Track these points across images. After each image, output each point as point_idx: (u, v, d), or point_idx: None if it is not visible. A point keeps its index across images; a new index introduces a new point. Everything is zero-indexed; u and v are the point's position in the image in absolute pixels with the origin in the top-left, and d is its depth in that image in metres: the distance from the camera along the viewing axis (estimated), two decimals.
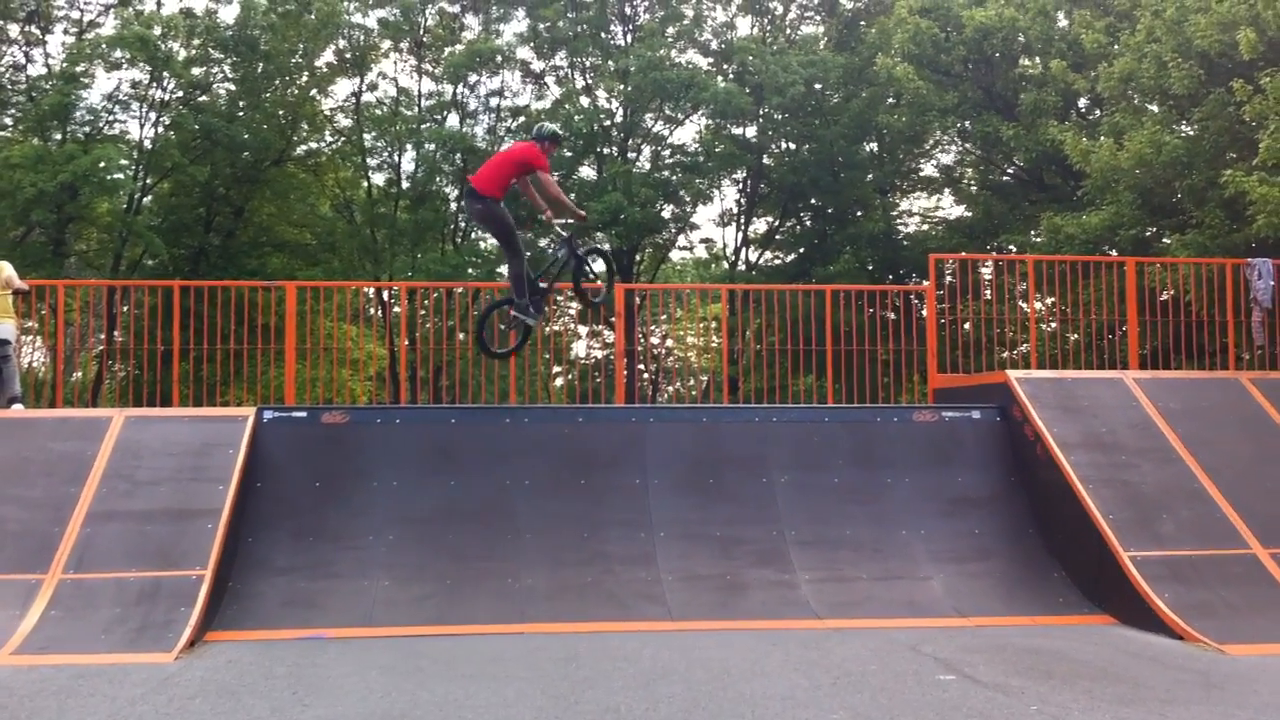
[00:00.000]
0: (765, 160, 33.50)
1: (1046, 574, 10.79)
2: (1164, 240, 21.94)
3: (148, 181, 29.93)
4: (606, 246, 13.17)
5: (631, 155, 33.05)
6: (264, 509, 10.91)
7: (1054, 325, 19.17)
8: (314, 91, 32.43)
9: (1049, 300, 18.72)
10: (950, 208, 34.94)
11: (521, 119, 33.65)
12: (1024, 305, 18.21)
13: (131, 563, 9.57)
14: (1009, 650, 8.64)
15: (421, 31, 32.78)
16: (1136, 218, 21.53)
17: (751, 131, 33.13)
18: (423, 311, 19.98)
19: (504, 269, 12.09)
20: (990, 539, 11.27)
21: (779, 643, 8.96)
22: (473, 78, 32.45)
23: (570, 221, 12.62)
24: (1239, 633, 8.97)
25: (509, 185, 11.44)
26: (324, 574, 10.36)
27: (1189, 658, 8.42)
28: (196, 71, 29.29)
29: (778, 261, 35.18)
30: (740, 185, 34.83)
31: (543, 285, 12.12)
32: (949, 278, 20.92)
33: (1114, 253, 21.47)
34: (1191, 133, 20.92)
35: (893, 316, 22.12)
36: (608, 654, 8.53)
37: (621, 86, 31.65)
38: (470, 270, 30.07)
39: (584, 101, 33.18)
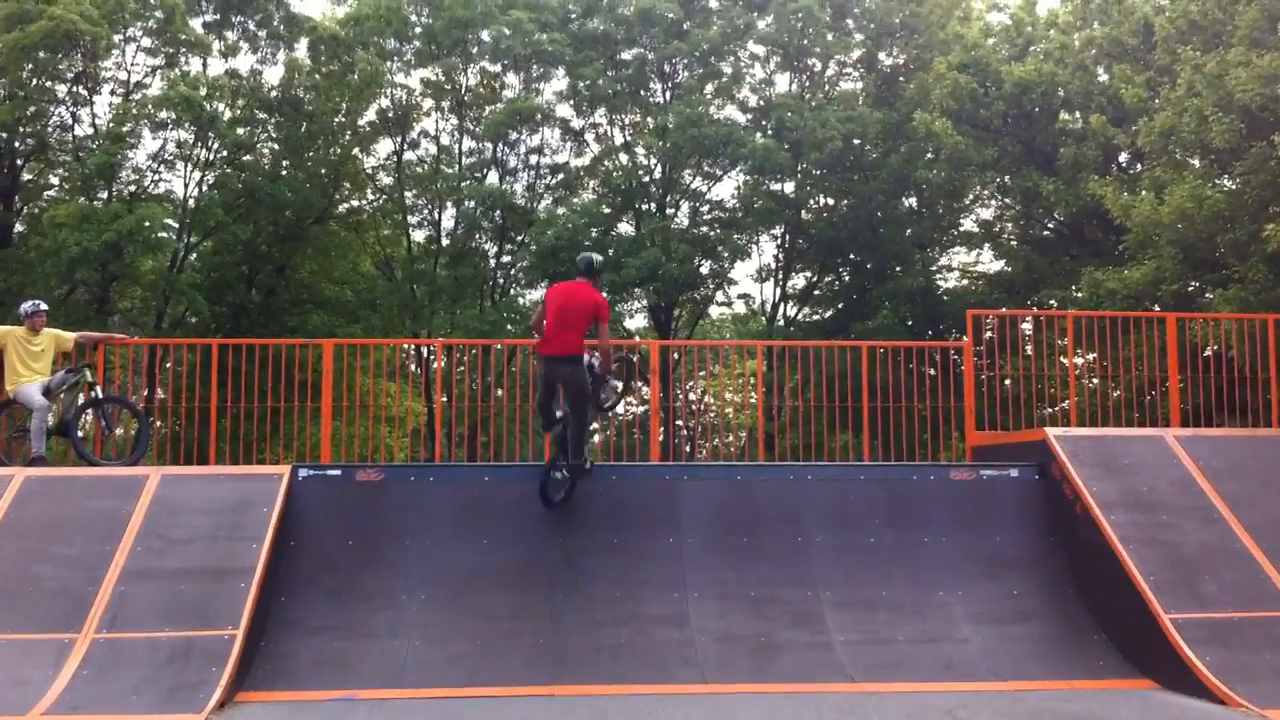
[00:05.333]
0: (804, 215, 33.52)
1: (1086, 636, 10.60)
2: (1206, 295, 21.74)
3: (191, 240, 30.29)
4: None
5: (670, 211, 33.17)
6: (297, 567, 10.90)
7: (1095, 381, 19.00)
8: (356, 150, 32.83)
9: (1090, 356, 18.55)
10: (990, 263, 34.83)
11: (560, 176, 33.91)
12: (1064, 361, 18.04)
13: (164, 622, 9.57)
14: (1047, 715, 8.49)
15: (463, 90, 33.13)
16: (1178, 272, 21.39)
17: (790, 187, 33.20)
18: (460, 368, 20.04)
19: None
20: (1029, 600, 11.09)
21: (813, 706, 8.85)
22: (513, 135, 32.76)
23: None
24: None
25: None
26: (356, 634, 10.32)
27: None
28: (241, 131, 29.68)
29: (816, 317, 35.09)
30: (778, 241, 34.86)
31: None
32: (988, 333, 20.81)
33: (1156, 308, 21.30)
34: (1233, 187, 20.79)
35: (932, 372, 21.98)
36: (639, 717, 8.44)
37: (660, 143, 31.83)
38: (509, 327, 30.19)
39: (623, 158, 33.40)
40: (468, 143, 33.69)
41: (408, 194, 33.15)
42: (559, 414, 11.42)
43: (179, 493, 11.21)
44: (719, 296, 36.36)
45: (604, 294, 11.68)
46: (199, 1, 30.03)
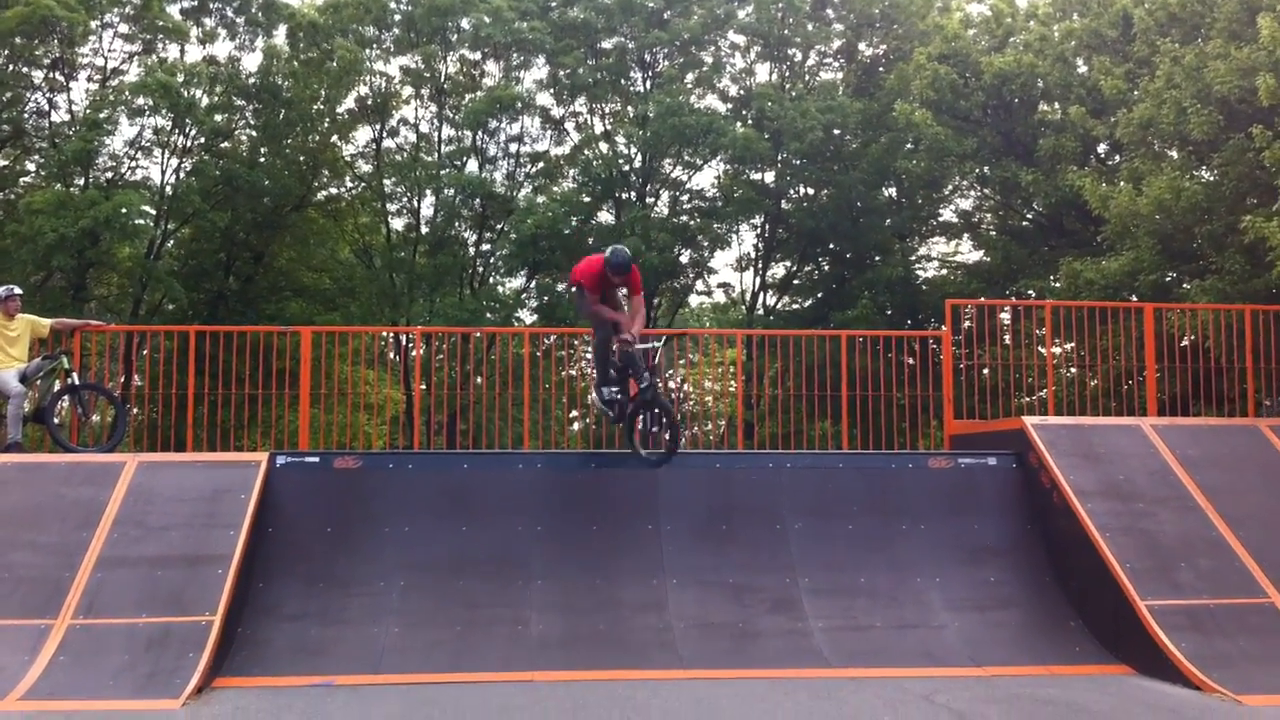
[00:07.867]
0: (783, 205, 33.50)
1: (1063, 623, 10.67)
2: (1184, 286, 21.84)
3: (169, 227, 30.11)
4: (671, 407, 12.13)
5: (650, 200, 33.12)
6: (275, 554, 10.89)
7: (1072, 371, 19.07)
8: (335, 138, 32.66)
9: (1068, 346, 18.61)
10: (969, 253, 34.88)
11: (540, 164, 33.82)
12: (1042, 351, 18.09)
13: (141, 608, 9.56)
14: (1024, 701, 8.53)
15: (443, 78, 32.99)
16: (1156, 263, 21.44)
17: (770, 177, 33.16)
18: (440, 356, 19.98)
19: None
20: (1006, 587, 11.16)
21: (791, 692, 8.88)
22: (493, 124, 32.60)
23: (659, 346, 11.72)
24: (1257, 683, 8.85)
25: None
26: (334, 620, 10.32)
27: (1206, 709, 8.30)
28: (219, 118, 29.51)
29: (796, 306, 35.11)
30: (758, 230, 34.82)
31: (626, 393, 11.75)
32: (967, 323, 20.87)
33: (1134, 298, 21.37)
34: (1211, 178, 20.84)
35: (911, 362, 22.03)
36: (618, 703, 8.45)
37: (640, 132, 31.74)
38: (488, 315, 30.11)
39: (603, 147, 33.30)
40: (447, 131, 33.55)
41: (387, 182, 32.98)
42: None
43: (156, 480, 11.18)
44: (699, 285, 36.33)
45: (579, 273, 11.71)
46: None
